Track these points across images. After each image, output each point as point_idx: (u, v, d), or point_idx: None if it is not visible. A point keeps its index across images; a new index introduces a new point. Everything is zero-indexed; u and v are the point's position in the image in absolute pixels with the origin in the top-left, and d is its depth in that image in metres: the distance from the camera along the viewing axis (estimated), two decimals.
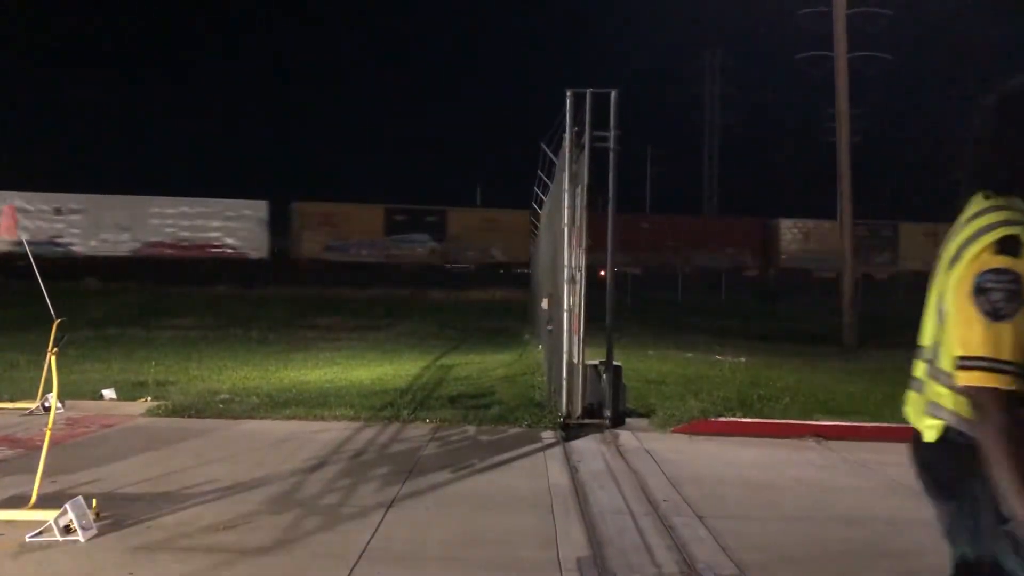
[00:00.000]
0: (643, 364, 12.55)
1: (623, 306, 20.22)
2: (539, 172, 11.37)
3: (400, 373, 11.96)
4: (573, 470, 6.54)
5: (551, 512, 5.40)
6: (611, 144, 8.25)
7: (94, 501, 4.90)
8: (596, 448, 7.39)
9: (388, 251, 41.49)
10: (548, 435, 7.80)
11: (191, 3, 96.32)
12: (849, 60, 20.73)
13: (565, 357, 8.15)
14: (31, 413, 8.06)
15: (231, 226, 38.77)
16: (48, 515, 4.63)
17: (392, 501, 5.52)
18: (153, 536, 4.72)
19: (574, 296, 8.09)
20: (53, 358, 5.36)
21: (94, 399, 9.15)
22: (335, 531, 4.89)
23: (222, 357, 13.54)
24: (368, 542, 4.70)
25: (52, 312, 5.54)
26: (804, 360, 15.25)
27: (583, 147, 8.11)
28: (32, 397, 8.37)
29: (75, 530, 4.57)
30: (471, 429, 7.96)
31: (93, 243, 36.64)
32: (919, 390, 2.21)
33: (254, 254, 38.96)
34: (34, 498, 4.94)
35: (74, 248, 35.82)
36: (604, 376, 8.27)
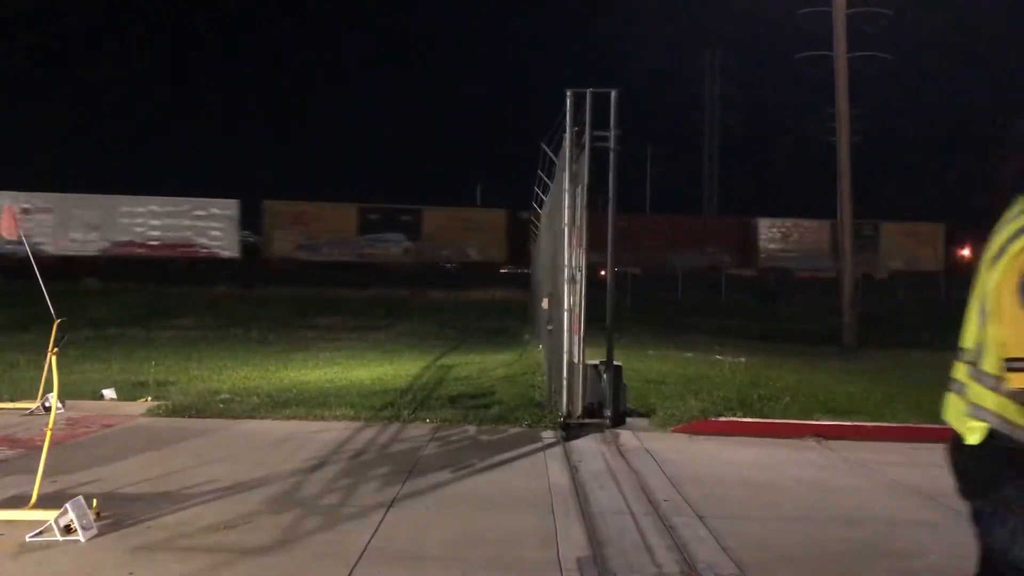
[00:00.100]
0: (643, 364, 12.55)
1: (623, 306, 20.23)
2: (539, 172, 11.37)
3: (400, 373, 11.96)
4: (573, 470, 6.55)
5: (551, 512, 5.40)
6: (611, 144, 8.26)
7: (94, 501, 4.91)
8: (596, 448, 7.39)
9: (361, 250, 41.31)
10: (548, 435, 7.80)
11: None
12: (849, 60, 20.73)
13: (565, 357, 8.15)
14: (31, 413, 8.06)
15: (201, 225, 38.71)
16: (48, 515, 4.63)
17: (392, 501, 5.52)
18: (153, 536, 4.72)
19: (574, 296, 8.09)
20: (53, 358, 5.37)
21: (94, 399, 9.15)
22: (335, 531, 4.89)
23: (222, 357, 13.54)
24: (368, 542, 4.70)
25: (52, 312, 5.55)
26: (804, 360, 15.25)
27: (583, 147, 8.11)
28: (32, 397, 8.38)
29: (75, 530, 4.57)
30: (471, 429, 7.96)
31: (63, 243, 36.47)
32: (960, 392, 2.17)
33: (225, 253, 38.88)
34: (34, 498, 4.94)
35: (44, 248, 35.59)
36: (604, 376, 8.28)
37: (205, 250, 38.76)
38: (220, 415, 8.36)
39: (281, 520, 5.05)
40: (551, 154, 9.60)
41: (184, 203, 38.96)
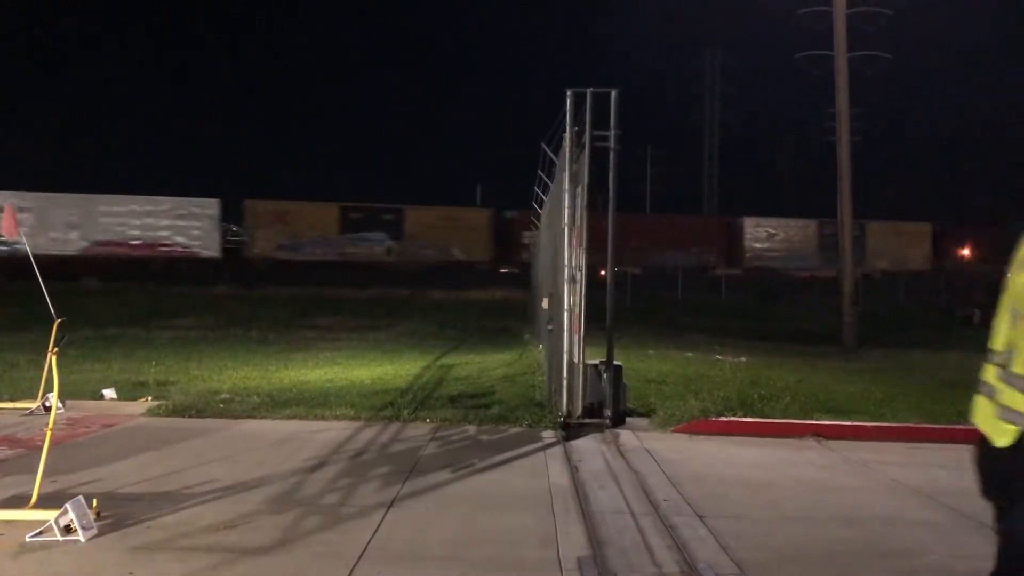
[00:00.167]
0: (643, 364, 12.55)
1: (623, 306, 20.23)
2: (539, 172, 11.37)
3: (400, 373, 11.96)
4: (573, 470, 6.55)
5: (551, 512, 5.40)
6: (611, 143, 8.25)
7: (94, 501, 4.91)
8: (596, 448, 7.39)
9: (343, 249, 41.28)
10: (548, 435, 7.81)
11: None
12: (849, 60, 20.72)
13: (565, 357, 8.15)
14: (32, 413, 8.06)
15: (180, 224, 38.65)
16: (48, 515, 4.63)
17: (393, 501, 5.52)
18: (153, 536, 4.72)
19: (574, 296, 8.09)
20: (54, 358, 5.37)
21: (95, 399, 9.15)
22: (335, 531, 4.89)
23: (222, 357, 13.54)
24: (368, 542, 4.70)
25: (52, 312, 5.55)
26: (804, 359, 15.24)
27: (583, 147, 8.10)
28: (32, 397, 8.38)
29: (75, 530, 4.57)
30: (471, 429, 7.96)
31: (42, 242, 36.27)
32: (990, 395, 2.16)
33: (205, 253, 38.80)
34: (34, 498, 4.94)
35: (22, 248, 35.51)
36: (604, 376, 8.28)
37: (185, 249, 38.73)
38: (220, 415, 8.36)
39: (281, 520, 5.05)
40: (551, 154, 9.60)
41: (165, 202, 38.92)
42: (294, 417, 8.29)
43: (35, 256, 6.65)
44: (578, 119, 8.11)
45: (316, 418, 8.26)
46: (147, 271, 35.30)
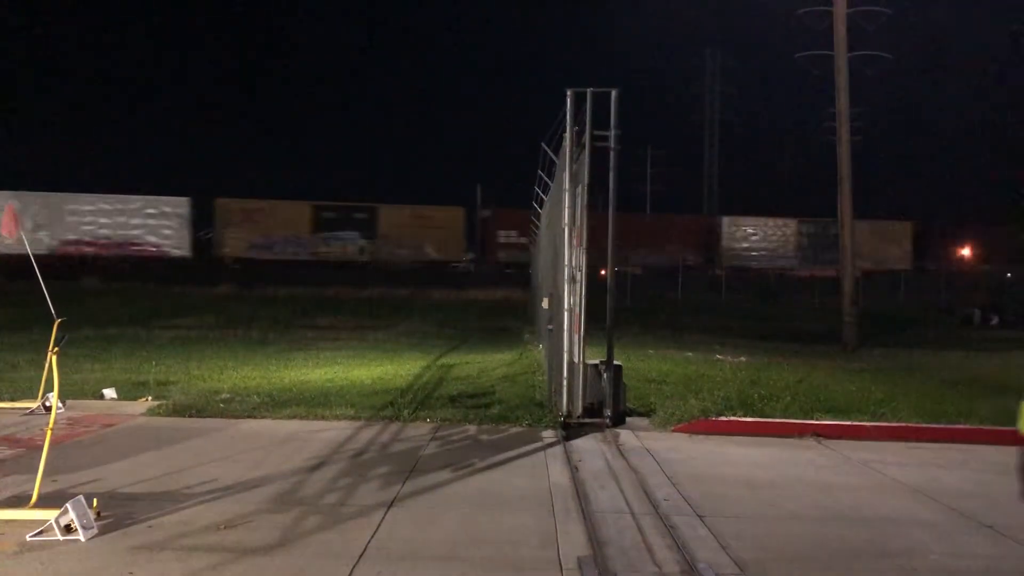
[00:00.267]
0: (643, 363, 12.55)
1: (623, 306, 20.23)
2: (539, 172, 11.37)
3: (401, 372, 11.96)
4: (574, 469, 6.55)
5: (551, 511, 5.41)
6: (611, 143, 8.25)
7: (95, 500, 4.91)
8: (596, 447, 7.40)
9: (316, 249, 41.00)
10: (549, 434, 7.81)
11: None
12: (849, 60, 20.71)
13: (566, 356, 8.15)
14: (32, 413, 8.06)
15: (151, 223, 38.48)
16: (49, 514, 4.63)
17: (393, 500, 5.52)
18: (154, 535, 4.72)
19: (574, 296, 8.09)
20: (54, 358, 5.37)
21: (95, 399, 9.15)
22: (335, 531, 4.90)
23: (223, 357, 13.54)
24: (369, 541, 4.71)
25: (53, 312, 5.55)
26: (804, 359, 15.24)
27: (583, 146, 8.10)
28: (33, 397, 8.38)
29: (76, 529, 4.57)
30: (472, 428, 7.96)
31: (8, 241, 36.25)
32: None
33: (176, 252, 38.61)
34: (35, 497, 4.94)
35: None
36: (604, 375, 8.28)
37: (155, 248, 38.58)
38: (220, 415, 8.36)
39: (281, 520, 5.06)
40: (551, 154, 9.60)
41: (135, 201, 38.69)
42: (294, 417, 8.29)
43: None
44: (578, 119, 8.11)
45: (316, 418, 8.26)
46: (116, 271, 35.12)
